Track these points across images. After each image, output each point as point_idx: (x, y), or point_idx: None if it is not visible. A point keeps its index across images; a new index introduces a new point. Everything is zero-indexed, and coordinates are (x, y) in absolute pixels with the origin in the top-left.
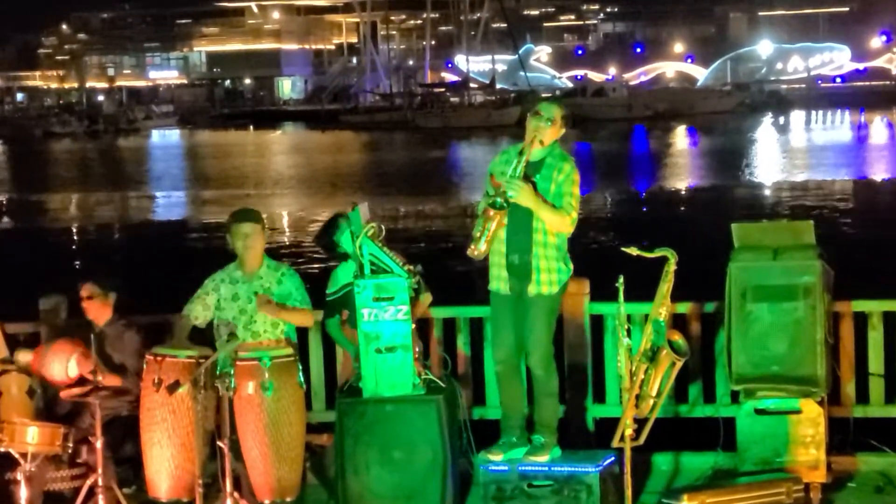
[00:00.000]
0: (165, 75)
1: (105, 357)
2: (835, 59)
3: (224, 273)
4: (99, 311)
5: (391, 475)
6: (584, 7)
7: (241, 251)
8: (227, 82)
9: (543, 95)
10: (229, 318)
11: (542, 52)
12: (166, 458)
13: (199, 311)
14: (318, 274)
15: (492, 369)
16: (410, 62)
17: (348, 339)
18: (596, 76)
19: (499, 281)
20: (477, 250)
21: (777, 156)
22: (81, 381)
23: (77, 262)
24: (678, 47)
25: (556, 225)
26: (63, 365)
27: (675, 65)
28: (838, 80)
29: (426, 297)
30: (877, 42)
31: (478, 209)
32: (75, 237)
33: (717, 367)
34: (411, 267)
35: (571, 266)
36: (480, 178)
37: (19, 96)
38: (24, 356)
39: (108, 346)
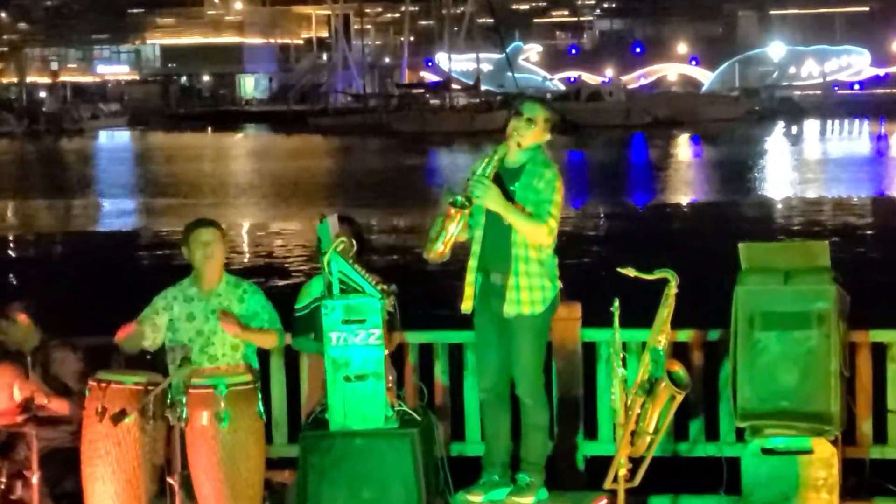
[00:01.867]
0: (115, 70)
1: (44, 383)
2: (853, 64)
3: (177, 290)
4: (18, 339)
5: None
6: (579, 2)
7: (200, 262)
8: (184, 79)
9: (532, 94)
10: (184, 341)
11: (531, 51)
12: (110, 495)
13: (147, 332)
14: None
15: (472, 401)
16: (386, 60)
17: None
18: (591, 78)
19: (474, 302)
20: (433, 252)
21: (789, 169)
22: (22, 408)
23: (9, 277)
24: (681, 48)
25: (530, 234)
26: (6, 392)
27: (677, 67)
28: (857, 86)
29: (396, 336)
30: None
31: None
32: (9, 250)
33: (720, 401)
34: (385, 287)
35: (559, 284)
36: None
37: None
38: None
39: (44, 371)
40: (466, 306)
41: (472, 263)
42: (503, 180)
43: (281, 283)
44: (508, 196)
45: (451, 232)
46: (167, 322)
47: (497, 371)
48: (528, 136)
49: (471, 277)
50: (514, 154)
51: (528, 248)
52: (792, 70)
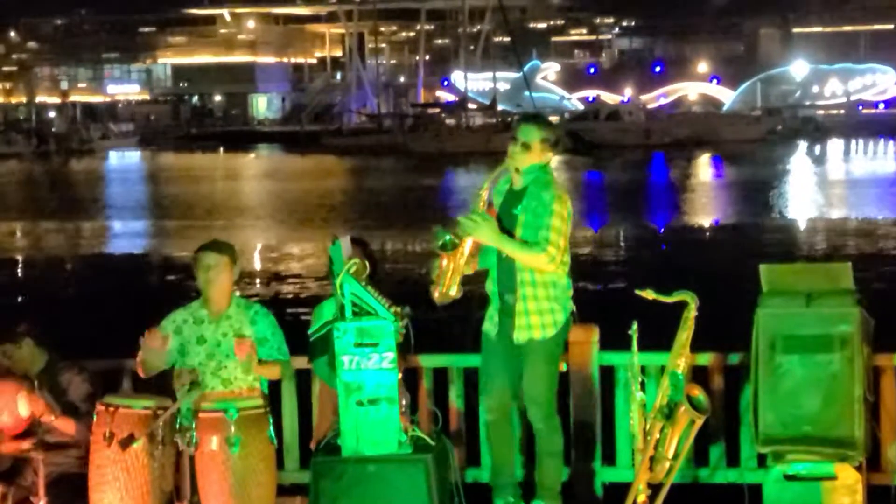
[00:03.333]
0: (125, 90)
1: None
2: (878, 83)
3: (187, 312)
4: (24, 363)
5: None
6: (598, 20)
7: (203, 286)
8: (195, 99)
9: (531, 114)
10: (194, 365)
11: (549, 70)
12: None
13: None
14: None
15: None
16: (401, 79)
17: None
18: (610, 97)
19: (490, 322)
20: (437, 293)
21: (812, 190)
22: (24, 433)
23: (16, 299)
24: (702, 67)
25: (529, 263)
26: (11, 406)
27: (698, 86)
28: (881, 105)
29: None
30: None
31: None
32: (19, 271)
33: (741, 426)
34: (398, 309)
35: (572, 306)
36: None
37: None
38: None
39: (50, 393)
40: (488, 327)
41: (490, 286)
42: (510, 205)
43: (293, 305)
44: (509, 224)
45: (448, 274)
46: (177, 345)
47: (504, 390)
48: (525, 160)
49: (493, 300)
50: (517, 177)
51: (534, 273)
52: (815, 89)
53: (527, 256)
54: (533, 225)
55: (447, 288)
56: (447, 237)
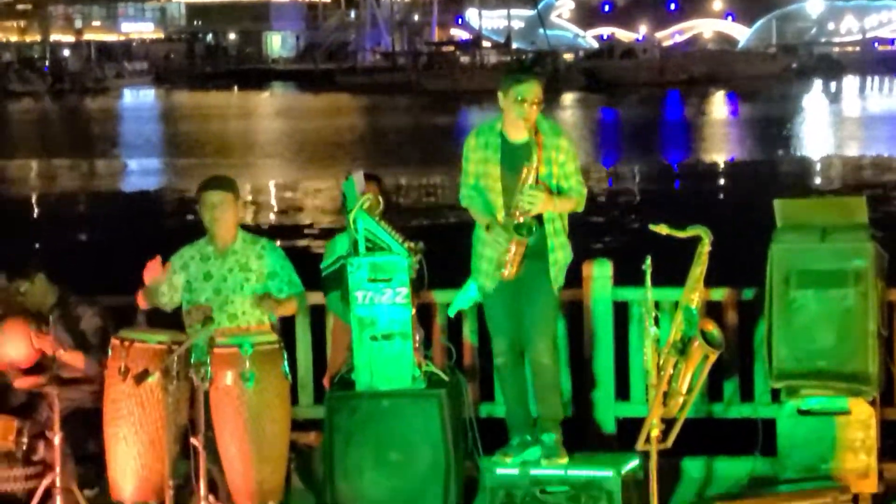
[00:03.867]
0: (140, 28)
1: (62, 339)
2: (893, 19)
3: (193, 249)
4: (37, 299)
5: (387, 479)
6: None
7: (209, 224)
8: (209, 37)
9: (516, 70)
10: (202, 301)
11: (564, 8)
12: (132, 456)
13: (164, 290)
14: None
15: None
16: (416, 17)
17: None
18: (625, 35)
19: (486, 277)
20: (506, 275)
21: (827, 127)
22: (39, 368)
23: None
24: (717, 4)
25: (570, 210)
26: (23, 340)
27: (713, 23)
28: None
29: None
30: None
31: (461, 200)
32: (34, 208)
33: (755, 361)
34: (412, 245)
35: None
36: None
37: None
38: None
39: (63, 327)
40: (510, 273)
41: (505, 233)
42: (514, 157)
43: (306, 241)
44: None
45: (520, 255)
46: (184, 282)
47: (512, 334)
48: (535, 114)
49: (511, 246)
50: (518, 132)
51: (557, 219)
52: (830, 26)
53: (571, 206)
54: (560, 175)
55: (517, 266)
56: (523, 228)
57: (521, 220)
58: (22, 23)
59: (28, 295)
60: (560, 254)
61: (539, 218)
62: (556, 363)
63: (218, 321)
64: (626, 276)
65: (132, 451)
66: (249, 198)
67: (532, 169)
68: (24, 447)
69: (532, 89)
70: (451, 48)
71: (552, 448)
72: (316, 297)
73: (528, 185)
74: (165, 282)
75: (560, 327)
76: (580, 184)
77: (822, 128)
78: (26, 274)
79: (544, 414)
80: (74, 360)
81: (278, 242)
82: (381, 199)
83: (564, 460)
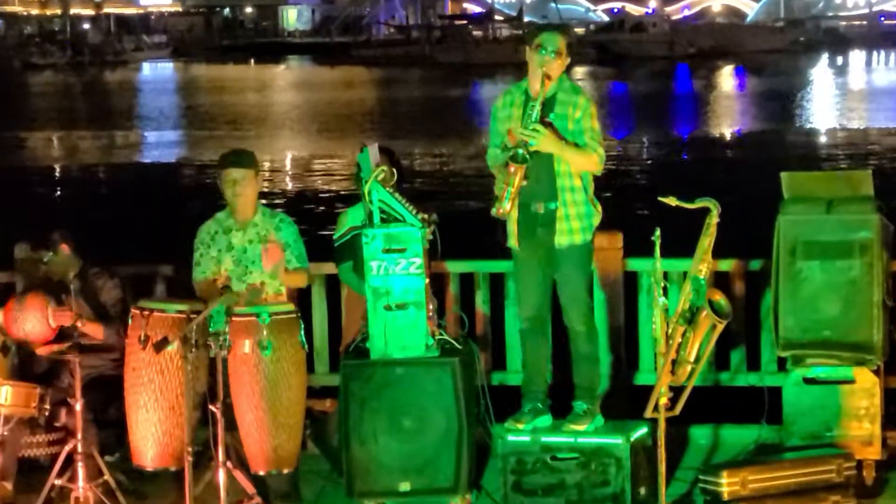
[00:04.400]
0: (158, 2)
1: (82, 310)
2: None
3: (215, 223)
4: (60, 269)
5: (401, 445)
6: None
7: (230, 199)
8: (227, 11)
9: (543, 24)
10: (221, 271)
11: None
12: (153, 422)
13: (212, 267)
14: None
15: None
16: None
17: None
18: (634, 9)
19: (514, 237)
20: (502, 209)
21: (833, 100)
22: (60, 336)
23: (57, 207)
24: None
25: (583, 165)
26: (41, 317)
27: None
28: None
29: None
30: None
31: (488, 160)
32: (56, 179)
33: (762, 330)
34: (426, 216)
35: (600, 208)
36: None
37: None
38: None
39: (83, 297)
40: (514, 241)
41: (507, 203)
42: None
43: (321, 212)
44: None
45: (516, 187)
46: (215, 253)
47: (539, 300)
48: (556, 67)
49: (514, 212)
50: (541, 88)
51: (574, 178)
52: (837, 0)
53: (583, 159)
54: (574, 130)
55: (513, 201)
56: (519, 150)
57: (522, 149)
58: None
59: (51, 265)
60: (575, 222)
61: (554, 186)
62: (591, 330)
63: (237, 291)
64: (636, 246)
65: (152, 418)
66: (266, 166)
67: (538, 104)
68: (47, 414)
69: (553, 38)
70: (464, 22)
71: (579, 416)
72: (331, 268)
73: (532, 118)
74: (210, 263)
75: None
76: (595, 142)
77: (829, 100)
78: (50, 244)
79: (578, 382)
80: (94, 332)
81: (293, 213)
82: (394, 171)
83: (583, 428)
